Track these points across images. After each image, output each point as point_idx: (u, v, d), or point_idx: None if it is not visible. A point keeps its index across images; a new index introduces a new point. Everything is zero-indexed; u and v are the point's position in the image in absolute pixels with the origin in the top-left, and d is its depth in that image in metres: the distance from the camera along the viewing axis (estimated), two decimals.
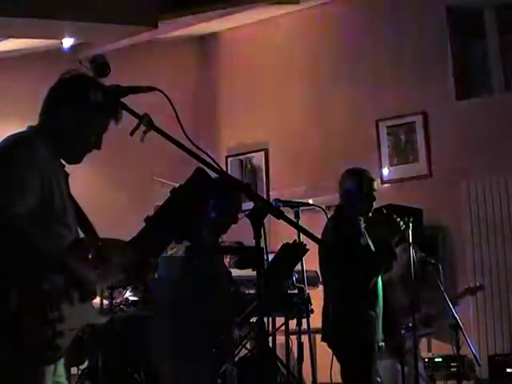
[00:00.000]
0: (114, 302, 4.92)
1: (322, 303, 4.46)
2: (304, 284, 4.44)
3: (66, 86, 2.44)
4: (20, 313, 2.14)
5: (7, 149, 2.28)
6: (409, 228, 4.59)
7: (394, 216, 4.39)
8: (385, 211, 4.41)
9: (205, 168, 2.33)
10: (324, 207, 4.62)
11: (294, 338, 5.06)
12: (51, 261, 2.21)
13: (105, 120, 2.44)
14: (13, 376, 2.18)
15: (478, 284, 5.89)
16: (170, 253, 3.53)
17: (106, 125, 2.45)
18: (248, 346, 5.15)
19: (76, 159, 2.47)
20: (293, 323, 4.88)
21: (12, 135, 2.34)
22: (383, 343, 4.33)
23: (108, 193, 7.01)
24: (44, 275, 2.20)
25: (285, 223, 2.25)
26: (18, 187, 2.20)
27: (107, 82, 2.42)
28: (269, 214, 2.18)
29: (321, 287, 5.00)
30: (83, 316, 2.32)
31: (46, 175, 2.28)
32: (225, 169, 7.82)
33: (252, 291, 4.72)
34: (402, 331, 5.07)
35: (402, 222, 4.37)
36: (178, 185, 2.46)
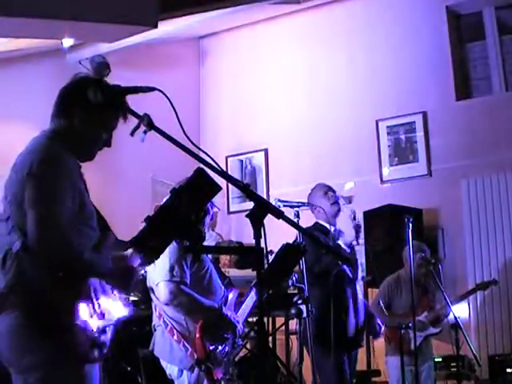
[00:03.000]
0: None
1: None
2: (304, 284, 4.44)
3: (77, 89, 2.47)
4: (69, 313, 2.21)
5: (41, 162, 2.31)
6: (409, 228, 4.61)
7: (357, 220, 4.76)
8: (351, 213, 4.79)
9: (205, 168, 2.33)
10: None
11: (293, 337, 5.07)
12: (92, 266, 2.31)
13: (115, 118, 2.48)
14: (63, 376, 2.23)
15: (490, 280, 5.91)
16: None
17: (115, 123, 2.50)
18: (248, 345, 5.16)
19: (90, 158, 2.54)
20: (293, 323, 4.88)
21: (35, 144, 2.38)
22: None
23: (108, 193, 7.00)
24: (86, 277, 2.30)
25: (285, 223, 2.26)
26: (59, 196, 2.27)
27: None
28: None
29: None
30: (114, 311, 2.39)
31: (76, 182, 2.36)
32: (225, 169, 7.83)
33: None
34: (403, 331, 5.09)
35: (360, 229, 4.77)
36: (178, 185, 2.46)
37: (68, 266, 2.25)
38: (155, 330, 3.71)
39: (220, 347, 3.58)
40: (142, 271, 4.89)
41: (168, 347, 3.60)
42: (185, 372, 3.55)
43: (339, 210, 4.70)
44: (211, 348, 3.54)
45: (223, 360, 3.58)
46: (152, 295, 3.72)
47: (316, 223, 4.71)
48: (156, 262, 3.59)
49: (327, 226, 4.62)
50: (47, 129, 2.47)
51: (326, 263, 4.42)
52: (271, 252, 4.02)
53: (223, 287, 3.83)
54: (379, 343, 5.68)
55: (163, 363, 3.67)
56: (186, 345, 3.53)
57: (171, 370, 3.62)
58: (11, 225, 2.30)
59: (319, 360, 4.30)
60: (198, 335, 3.50)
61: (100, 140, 2.49)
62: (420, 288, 5.42)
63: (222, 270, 4.99)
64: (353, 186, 6.75)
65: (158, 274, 3.61)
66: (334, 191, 4.75)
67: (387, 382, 5.48)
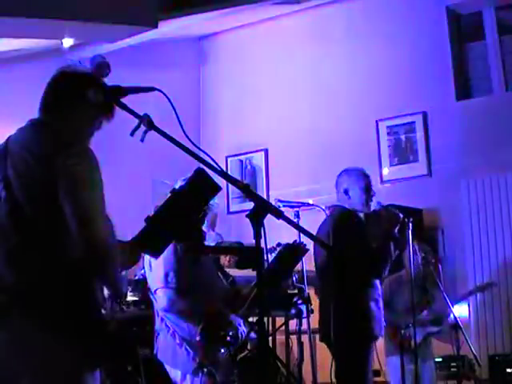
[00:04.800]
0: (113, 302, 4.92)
1: None
2: (304, 284, 4.44)
3: (69, 84, 2.40)
4: (85, 313, 2.17)
5: (72, 153, 2.23)
6: (409, 228, 4.60)
7: (390, 208, 4.42)
8: (381, 206, 4.44)
9: (205, 168, 2.33)
10: (324, 207, 4.62)
11: (293, 337, 5.07)
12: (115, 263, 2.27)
13: (102, 117, 2.42)
14: (75, 378, 2.17)
15: (488, 281, 5.93)
16: None
17: (101, 122, 2.43)
18: (248, 345, 5.15)
19: None
20: (293, 323, 4.87)
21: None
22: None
23: (108, 192, 6.99)
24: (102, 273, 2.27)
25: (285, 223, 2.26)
26: (100, 186, 2.32)
27: (107, 82, 2.42)
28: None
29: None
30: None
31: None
32: (225, 169, 7.82)
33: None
34: (403, 330, 5.10)
35: (399, 213, 4.39)
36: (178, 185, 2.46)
37: (105, 262, 2.20)
38: (158, 334, 3.70)
39: (222, 349, 3.57)
40: (142, 271, 4.89)
41: (170, 351, 3.60)
42: (188, 376, 3.55)
43: (369, 209, 4.44)
44: (213, 351, 3.54)
45: (226, 362, 3.58)
46: (152, 298, 3.72)
47: (339, 206, 4.44)
48: (152, 265, 3.61)
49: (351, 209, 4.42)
50: (40, 120, 2.37)
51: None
52: (279, 244, 3.97)
53: (225, 287, 3.82)
54: (379, 343, 5.67)
55: (167, 367, 3.67)
56: (188, 348, 3.53)
57: (175, 374, 3.62)
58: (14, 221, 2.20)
59: (344, 356, 4.20)
60: (198, 338, 3.50)
61: (89, 139, 2.42)
62: (420, 289, 5.42)
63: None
64: None
65: (154, 280, 3.61)
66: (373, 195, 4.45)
67: (388, 382, 5.48)
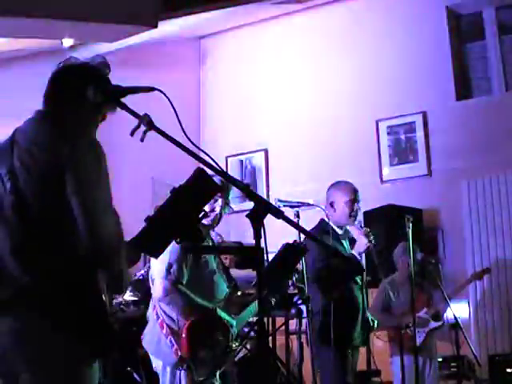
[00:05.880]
0: (113, 302, 4.92)
1: None
2: (304, 284, 4.44)
3: (71, 79, 2.40)
4: (89, 308, 2.17)
5: (81, 145, 2.22)
6: (409, 228, 4.60)
7: (364, 228, 4.44)
8: (361, 227, 4.46)
9: (205, 168, 2.33)
10: (324, 207, 4.62)
11: (293, 337, 5.07)
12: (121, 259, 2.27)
13: (105, 110, 2.42)
14: (73, 372, 2.16)
15: (483, 268, 5.95)
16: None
17: (105, 115, 2.44)
18: (248, 346, 5.15)
19: None
20: (293, 323, 4.88)
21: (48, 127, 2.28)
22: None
23: None
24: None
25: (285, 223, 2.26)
26: (107, 180, 2.25)
27: None
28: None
29: None
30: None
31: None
32: (225, 169, 7.83)
33: (251, 291, 4.72)
34: (403, 331, 5.10)
35: (370, 234, 4.39)
36: (178, 185, 2.46)
37: (112, 257, 2.20)
38: (148, 320, 3.72)
39: (208, 350, 3.57)
40: (142, 271, 4.89)
41: (156, 340, 3.61)
42: (168, 368, 3.55)
43: (353, 222, 4.48)
44: (197, 349, 3.53)
45: (209, 363, 3.56)
46: (152, 286, 3.74)
47: (323, 221, 4.53)
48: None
49: (335, 227, 4.47)
50: (46, 111, 2.36)
51: (328, 260, 4.28)
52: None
53: (227, 289, 3.82)
54: (379, 343, 5.67)
55: (150, 356, 3.68)
56: (173, 341, 3.54)
57: (157, 363, 3.63)
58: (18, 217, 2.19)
59: (322, 359, 4.26)
60: (183, 335, 3.51)
61: (93, 134, 2.40)
62: (416, 287, 5.42)
63: None
64: None
65: (156, 269, 3.63)
66: (358, 202, 4.45)
67: (391, 382, 5.48)
